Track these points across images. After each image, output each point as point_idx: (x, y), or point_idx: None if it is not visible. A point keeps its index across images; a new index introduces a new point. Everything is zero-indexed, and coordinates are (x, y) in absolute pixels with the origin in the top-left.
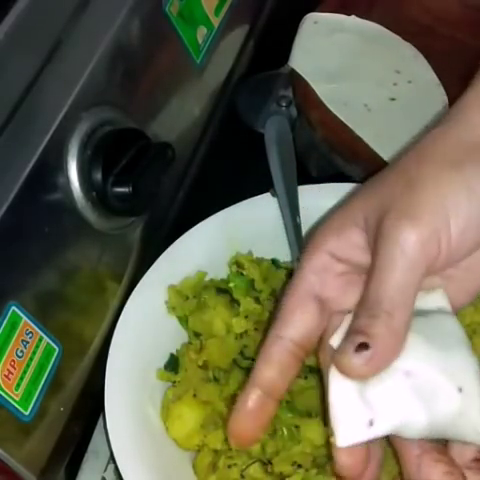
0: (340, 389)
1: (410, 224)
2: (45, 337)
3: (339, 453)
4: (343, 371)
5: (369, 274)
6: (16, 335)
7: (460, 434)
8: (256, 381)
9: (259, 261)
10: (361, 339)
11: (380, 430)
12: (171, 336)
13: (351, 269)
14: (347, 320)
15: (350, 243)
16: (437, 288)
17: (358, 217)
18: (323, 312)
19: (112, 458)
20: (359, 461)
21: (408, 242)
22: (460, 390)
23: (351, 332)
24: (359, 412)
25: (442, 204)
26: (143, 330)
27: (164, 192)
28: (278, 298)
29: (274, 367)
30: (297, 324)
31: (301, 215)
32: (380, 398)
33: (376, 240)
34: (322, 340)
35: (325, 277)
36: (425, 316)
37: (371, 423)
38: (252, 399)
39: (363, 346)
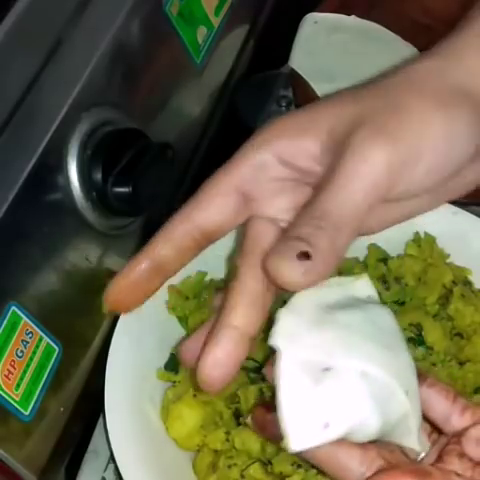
0: (292, 387)
1: (384, 143)
2: (45, 337)
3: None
4: (279, 279)
5: (323, 183)
6: (16, 335)
7: (398, 438)
8: (149, 254)
9: None
10: (304, 247)
11: (335, 433)
12: (171, 336)
13: (291, 175)
14: None
15: (302, 150)
16: (362, 274)
17: (322, 125)
18: (243, 210)
19: (112, 458)
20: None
21: (377, 161)
22: (406, 393)
23: (292, 238)
24: (314, 414)
25: (420, 138)
26: (143, 330)
27: (164, 192)
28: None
29: (172, 246)
30: (211, 211)
31: None
32: (335, 398)
33: (340, 150)
34: (244, 250)
35: (260, 176)
36: (362, 309)
37: (326, 425)
38: (140, 267)
39: (304, 255)
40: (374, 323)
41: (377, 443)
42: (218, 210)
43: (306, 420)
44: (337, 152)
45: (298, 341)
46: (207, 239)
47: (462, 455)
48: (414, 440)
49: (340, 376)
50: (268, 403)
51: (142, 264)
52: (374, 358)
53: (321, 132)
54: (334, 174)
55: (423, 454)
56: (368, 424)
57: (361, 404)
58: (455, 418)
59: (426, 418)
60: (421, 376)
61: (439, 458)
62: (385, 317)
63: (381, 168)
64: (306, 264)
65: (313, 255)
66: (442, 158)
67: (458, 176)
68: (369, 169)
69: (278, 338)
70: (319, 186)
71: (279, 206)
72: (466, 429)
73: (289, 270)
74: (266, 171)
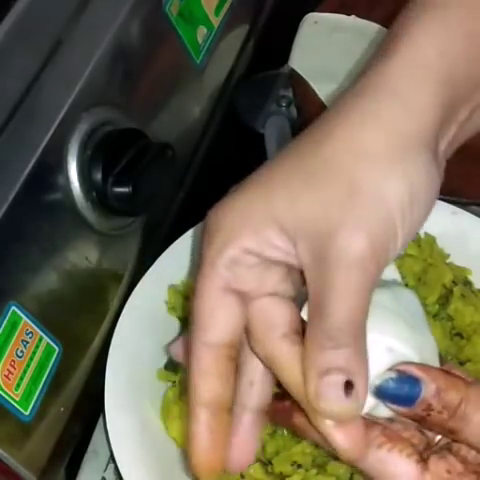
0: None
1: (365, 240)
2: (45, 337)
3: (334, 436)
4: (332, 418)
5: (322, 296)
6: (16, 335)
7: None
8: (200, 400)
9: None
10: (343, 377)
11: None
12: (171, 336)
13: (263, 261)
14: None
15: (267, 242)
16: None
17: (282, 221)
18: (243, 303)
19: (112, 458)
20: (357, 440)
21: (365, 261)
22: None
23: (324, 370)
24: None
25: (389, 212)
26: (143, 330)
27: (164, 192)
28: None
29: (214, 379)
30: (221, 325)
31: None
32: None
33: (323, 257)
34: (251, 331)
35: (238, 270)
36: (391, 289)
37: None
38: (204, 422)
39: (349, 385)
40: (401, 303)
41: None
42: (226, 321)
43: None
44: (322, 258)
45: None
46: (235, 348)
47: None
48: None
49: (368, 348)
50: (280, 395)
51: (201, 415)
52: (400, 335)
53: (282, 227)
54: (327, 283)
55: None
56: None
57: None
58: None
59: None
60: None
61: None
62: (411, 299)
63: (368, 263)
64: (355, 394)
65: (354, 379)
66: (415, 217)
67: None
68: (360, 269)
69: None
70: (315, 298)
71: (270, 284)
72: None
73: (343, 410)
74: (240, 264)
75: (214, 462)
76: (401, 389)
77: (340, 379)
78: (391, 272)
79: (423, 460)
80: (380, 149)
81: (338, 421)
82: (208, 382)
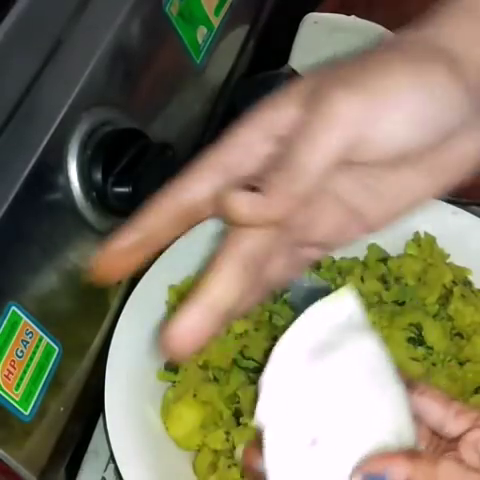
0: (281, 469)
1: (351, 93)
2: (45, 337)
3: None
4: (226, 209)
5: (291, 137)
6: (16, 335)
7: None
8: (140, 224)
9: None
10: (254, 182)
11: None
12: None
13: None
14: None
15: (286, 114)
16: (344, 287)
17: (299, 90)
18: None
19: (112, 458)
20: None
21: (344, 111)
22: (399, 436)
23: (248, 177)
24: None
25: (390, 87)
26: (143, 330)
27: None
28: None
29: (163, 217)
30: (199, 185)
31: None
32: (326, 472)
33: (311, 106)
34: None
35: (245, 156)
36: (345, 347)
37: None
38: (129, 237)
39: (253, 190)
40: (358, 364)
41: None
42: (201, 188)
43: None
44: (309, 108)
45: (282, 416)
46: (198, 213)
47: (460, 461)
48: None
49: (327, 449)
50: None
51: (132, 234)
52: (363, 414)
53: (298, 97)
54: (302, 126)
55: None
56: None
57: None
58: (450, 424)
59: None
60: (411, 384)
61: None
62: (370, 346)
63: (349, 118)
64: (252, 195)
65: (263, 190)
66: (420, 110)
67: (453, 145)
68: (336, 119)
69: (262, 416)
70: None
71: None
72: (463, 434)
73: (234, 199)
74: (251, 150)
75: (110, 270)
76: None
77: (252, 181)
78: (348, 304)
79: None
80: (403, 47)
81: (227, 216)
82: (157, 218)
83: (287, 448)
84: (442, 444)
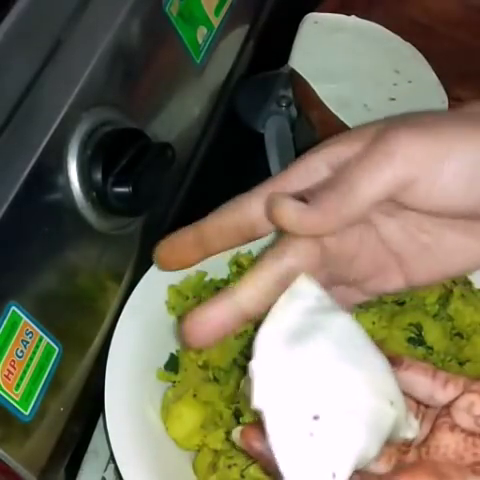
0: (287, 449)
1: (407, 130)
2: (45, 337)
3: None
4: (274, 214)
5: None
6: (16, 335)
7: (391, 437)
8: (199, 228)
9: None
10: (305, 195)
11: (343, 477)
12: (171, 336)
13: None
14: None
15: (351, 149)
16: (301, 274)
17: (368, 130)
18: None
19: (112, 458)
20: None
21: (399, 142)
22: (392, 403)
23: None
24: (316, 468)
25: (448, 148)
26: (143, 330)
27: (164, 192)
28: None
29: (219, 231)
30: (260, 207)
31: None
32: (333, 445)
33: (373, 142)
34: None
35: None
36: (321, 328)
37: (333, 475)
38: (186, 238)
39: (302, 200)
40: (339, 340)
41: None
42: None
43: (311, 478)
44: (371, 144)
45: (279, 398)
46: (253, 233)
47: (453, 427)
48: (405, 431)
49: (330, 421)
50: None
51: (189, 235)
52: (355, 386)
53: (366, 135)
54: (361, 159)
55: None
56: (369, 452)
57: (358, 441)
58: (439, 394)
59: (411, 397)
60: (396, 360)
61: (432, 434)
62: (348, 324)
63: (406, 157)
64: (301, 204)
65: (311, 202)
66: (465, 178)
67: None
68: (393, 157)
69: (260, 400)
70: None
71: None
72: (453, 401)
73: (283, 204)
74: (313, 174)
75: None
76: None
77: (304, 194)
78: (309, 289)
79: None
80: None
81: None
82: (214, 230)
83: (290, 427)
84: (429, 413)
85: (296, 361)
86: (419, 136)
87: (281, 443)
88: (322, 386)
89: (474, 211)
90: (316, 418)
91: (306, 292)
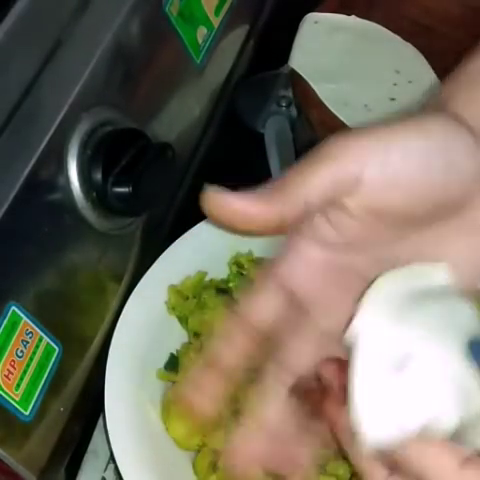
0: (368, 379)
1: (352, 134)
2: (45, 337)
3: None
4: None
5: None
6: (16, 335)
7: (470, 442)
8: (213, 361)
9: (259, 261)
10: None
11: (414, 425)
12: (171, 336)
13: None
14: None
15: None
16: (441, 263)
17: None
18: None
19: (112, 458)
20: None
21: (334, 143)
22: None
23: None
24: (390, 406)
25: (388, 140)
26: (143, 330)
27: (164, 192)
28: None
29: (234, 352)
30: (263, 307)
31: None
32: (416, 387)
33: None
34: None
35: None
36: (440, 302)
37: (404, 418)
38: (205, 377)
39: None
40: (452, 318)
41: None
42: (268, 304)
43: (382, 413)
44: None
45: (377, 335)
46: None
47: None
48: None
49: (421, 364)
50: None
51: (207, 373)
52: (450, 357)
53: None
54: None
55: None
56: (446, 419)
57: (441, 396)
58: None
59: None
60: None
61: None
62: (463, 310)
63: (340, 156)
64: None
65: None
66: (422, 153)
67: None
68: (327, 157)
69: (355, 330)
70: None
71: None
72: None
73: (216, 196)
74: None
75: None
76: None
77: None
78: (443, 276)
79: None
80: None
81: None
82: (228, 354)
83: (375, 367)
84: None
85: (403, 313)
86: (360, 136)
87: (363, 378)
88: (420, 344)
89: (443, 197)
90: (403, 368)
91: (436, 274)
